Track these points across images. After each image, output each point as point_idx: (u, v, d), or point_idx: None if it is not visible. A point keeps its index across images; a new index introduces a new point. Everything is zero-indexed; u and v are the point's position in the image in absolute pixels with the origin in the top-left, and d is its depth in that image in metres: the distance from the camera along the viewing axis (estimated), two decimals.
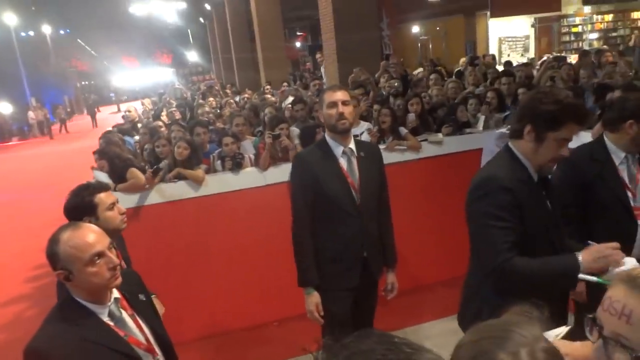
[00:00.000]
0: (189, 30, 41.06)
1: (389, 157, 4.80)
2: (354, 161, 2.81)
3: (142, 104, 12.44)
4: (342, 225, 2.76)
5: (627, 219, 2.61)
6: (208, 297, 4.37)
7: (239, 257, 4.41)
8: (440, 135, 4.87)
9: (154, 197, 4.23)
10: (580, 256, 1.87)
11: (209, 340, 4.28)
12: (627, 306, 1.00)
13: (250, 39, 18.76)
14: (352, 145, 2.83)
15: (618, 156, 2.66)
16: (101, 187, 2.45)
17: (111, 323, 1.82)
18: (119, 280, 1.82)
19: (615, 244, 1.87)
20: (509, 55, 17.48)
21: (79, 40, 42.02)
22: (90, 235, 1.77)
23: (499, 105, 5.49)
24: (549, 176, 2.17)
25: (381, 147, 4.79)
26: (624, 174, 2.65)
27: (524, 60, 14.82)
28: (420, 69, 10.04)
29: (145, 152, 5.20)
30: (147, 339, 1.92)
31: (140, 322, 1.93)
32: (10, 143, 25.53)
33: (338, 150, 2.79)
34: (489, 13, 15.69)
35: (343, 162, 2.79)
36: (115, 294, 1.88)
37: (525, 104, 2.10)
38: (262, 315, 4.43)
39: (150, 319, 2.00)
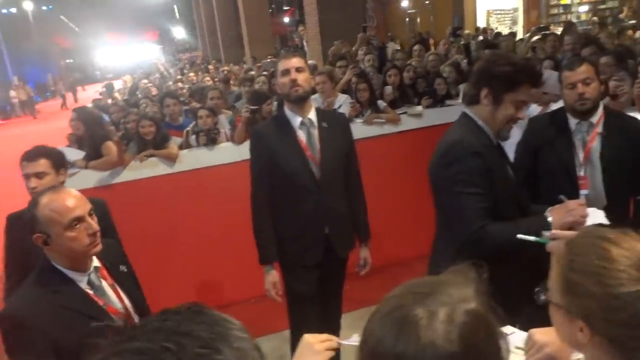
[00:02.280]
0: (175, 6, 40.35)
1: (367, 131, 4.74)
2: (315, 133, 2.66)
3: (124, 81, 12.22)
4: (301, 201, 2.65)
5: (570, 188, 2.59)
6: (183, 276, 4.31)
7: (215, 234, 4.34)
8: (419, 107, 4.80)
9: (127, 174, 4.13)
10: (549, 215, 1.86)
11: None
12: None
13: (235, 14, 18.43)
14: (312, 115, 2.67)
15: (572, 122, 2.64)
16: None
17: (90, 291, 1.81)
18: (99, 247, 1.80)
19: (580, 200, 1.95)
20: (496, 28, 17.31)
21: (62, 16, 41.08)
22: (70, 199, 1.76)
23: None
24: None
25: (360, 120, 4.73)
26: (578, 141, 2.63)
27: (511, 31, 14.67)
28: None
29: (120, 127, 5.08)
30: (126, 310, 1.90)
31: (120, 292, 1.91)
32: None
33: (296, 121, 2.65)
34: None
35: (302, 134, 2.65)
36: (96, 262, 1.86)
37: (480, 68, 2.06)
38: (240, 293, 4.39)
39: (131, 290, 1.99)
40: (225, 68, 7.43)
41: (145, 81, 8.98)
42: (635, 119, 2.78)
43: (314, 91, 2.72)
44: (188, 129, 4.54)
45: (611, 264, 0.90)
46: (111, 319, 1.81)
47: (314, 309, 2.80)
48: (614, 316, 0.89)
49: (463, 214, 1.90)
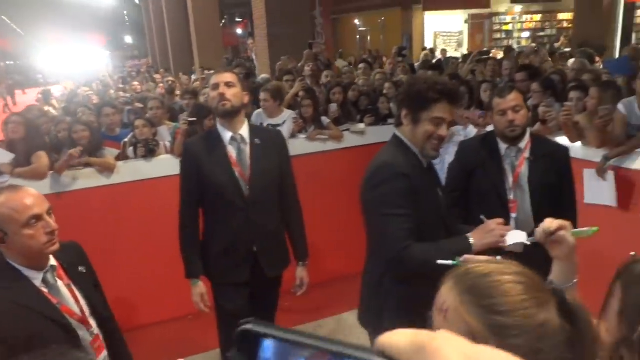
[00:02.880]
0: (124, 12, 39.41)
1: (310, 147, 4.77)
2: (246, 149, 2.63)
3: (64, 87, 11.77)
4: (230, 218, 2.62)
5: (501, 210, 2.65)
6: (119, 291, 4.15)
7: (152, 248, 4.22)
8: (362, 125, 4.86)
9: (60, 185, 3.95)
10: (471, 237, 1.92)
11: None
12: (446, 302, 0.95)
13: (185, 23, 18.17)
14: (244, 131, 2.64)
15: (502, 147, 2.73)
16: None
17: (44, 289, 1.81)
18: (56, 246, 1.81)
19: (499, 220, 1.96)
20: (443, 49, 17.87)
21: (3, 17, 39.38)
22: (29, 197, 1.77)
23: None
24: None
25: (303, 136, 4.74)
26: (508, 166, 2.72)
27: (458, 55, 15.19)
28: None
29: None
30: (82, 311, 1.89)
31: (77, 293, 1.90)
32: None
33: (226, 136, 2.62)
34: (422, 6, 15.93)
35: (232, 150, 2.62)
36: (53, 262, 1.86)
37: (400, 90, 2.15)
38: (178, 309, 4.26)
39: (89, 291, 1.96)
40: (170, 78, 7.27)
41: (86, 88, 8.67)
42: (559, 144, 2.92)
43: (244, 106, 2.69)
44: (126, 140, 4.41)
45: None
46: (64, 318, 1.81)
47: None
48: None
49: (388, 235, 1.92)
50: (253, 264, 2.68)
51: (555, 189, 2.70)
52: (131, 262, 4.18)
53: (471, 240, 1.90)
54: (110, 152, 4.22)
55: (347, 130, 4.85)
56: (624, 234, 3.32)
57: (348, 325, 3.90)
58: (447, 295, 0.95)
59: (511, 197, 2.70)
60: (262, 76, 7.75)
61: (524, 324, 0.88)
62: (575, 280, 1.43)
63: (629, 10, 15.18)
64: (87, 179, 4.02)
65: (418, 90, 1.97)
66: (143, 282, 4.22)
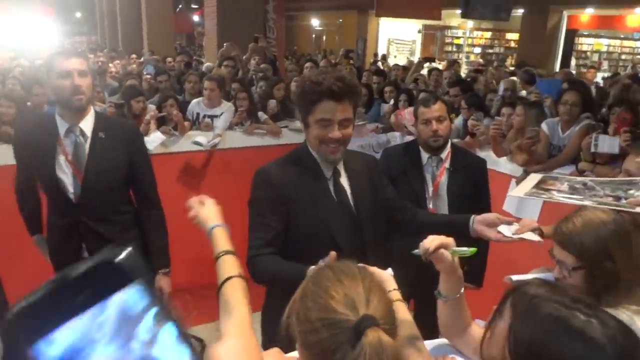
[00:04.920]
0: None
1: (247, 140, 4.73)
2: (85, 143, 2.30)
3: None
4: (58, 217, 2.39)
5: None
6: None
7: None
8: (299, 122, 4.85)
9: None
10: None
11: None
12: None
13: (137, 4, 17.63)
14: (86, 123, 2.30)
15: (424, 156, 2.80)
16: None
17: None
18: None
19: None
20: (395, 57, 18.21)
21: None
22: None
23: (368, 100, 5.68)
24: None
25: (240, 129, 4.70)
26: (428, 175, 2.79)
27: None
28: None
29: None
30: None
31: None
32: None
33: (62, 128, 2.28)
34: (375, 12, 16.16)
35: (68, 144, 2.29)
36: None
37: None
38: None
39: None
40: (102, 59, 7.01)
41: (26, 63, 8.22)
42: (478, 157, 3.02)
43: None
44: None
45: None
46: None
47: None
48: None
49: (249, 239, 1.85)
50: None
51: (472, 199, 2.79)
52: None
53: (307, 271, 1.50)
54: None
55: (286, 127, 4.85)
56: (538, 251, 3.45)
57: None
58: None
59: (430, 205, 2.77)
60: (207, 64, 7.62)
61: None
62: (461, 291, 1.48)
63: (570, 36, 15.99)
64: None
65: (301, 92, 1.82)
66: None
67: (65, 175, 2.28)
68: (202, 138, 4.30)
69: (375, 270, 1.48)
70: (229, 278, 1.31)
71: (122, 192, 2.45)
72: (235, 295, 1.26)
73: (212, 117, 4.60)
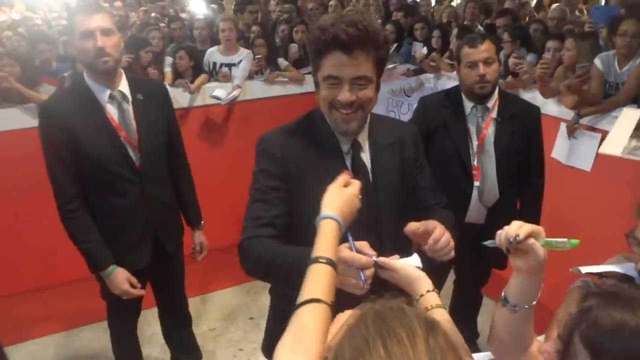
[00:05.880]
0: None
1: (269, 90, 4.44)
2: (129, 108, 2.14)
3: (2, 11, 10.79)
4: (119, 195, 2.15)
5: (464, 178, 2.44)
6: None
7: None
8: None
9: None
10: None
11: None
12: None
13: None
14: (124, 86, 2.13)
15: (467, 106, 2.45)
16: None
17: None
18: None
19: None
20: None
21: None
22: None
23: (397, 38, 5.24)
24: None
25: (260, 78, 4.40)
26: (472, 127, 2.46)
27: None
28: None
29: None
30: None
31: None
32: None
33: (103, 95, 2.08)
34: None
35: (112, 111, 2.10)
36: None
37: None
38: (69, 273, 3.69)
39: None
40: (120, 12, 6.59)
41: (34, 16, 7.90)
42: (530, 104, 2.66)
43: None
44: (66, 74, 4.00)
45: None
46: None
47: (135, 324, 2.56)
48: None
49: (245, 218, 1.48)
50: (152, 244, 2.28)
51: (521, 154, 2.48)
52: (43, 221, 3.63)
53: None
54: (45, 89, 3.77)
55: (310, 73, 4.51)
56: (595, 201, 3.13)
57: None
58: None
59: (475, 162, 2.46)
60: (211, 5, 7.12)
61: None
62: (534, 302, 1.13)
63: None
64: (12, 119, 3.55)
65: (309, 43, 1.42)
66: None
67: (120, 144, 2.11)
68: (221, 91, 4.03)
69: (405, 268, 1.21)
70: (317, 300, 0.98)
71: (166, 152, 2.32)
72: (316, 327, 0.93)
73: (229, 65, 4.30)
